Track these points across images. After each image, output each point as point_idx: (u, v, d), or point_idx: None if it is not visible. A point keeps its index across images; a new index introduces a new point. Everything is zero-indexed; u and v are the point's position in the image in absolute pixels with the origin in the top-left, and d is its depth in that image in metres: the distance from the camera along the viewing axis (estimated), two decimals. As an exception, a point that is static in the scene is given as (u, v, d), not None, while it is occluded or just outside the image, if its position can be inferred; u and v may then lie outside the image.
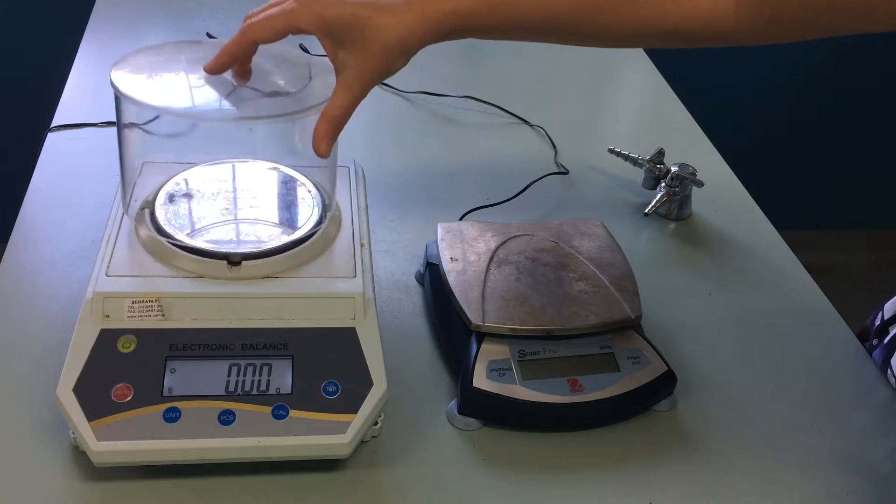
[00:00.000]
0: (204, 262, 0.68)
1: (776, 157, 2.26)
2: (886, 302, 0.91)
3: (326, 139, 0.66)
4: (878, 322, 0.90)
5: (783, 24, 0.66)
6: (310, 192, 0.77)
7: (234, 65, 0.69)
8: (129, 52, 0.72)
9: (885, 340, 0.86)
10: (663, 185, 1.00)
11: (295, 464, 0.67)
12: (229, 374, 0.65)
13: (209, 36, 1.25)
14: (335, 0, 0.65)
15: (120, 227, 0.72)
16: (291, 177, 0.79)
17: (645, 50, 1.38)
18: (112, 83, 0.68)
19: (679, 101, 1.26)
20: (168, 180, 0.76)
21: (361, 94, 0.66)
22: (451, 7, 0.66)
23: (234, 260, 0.69)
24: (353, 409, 0.65)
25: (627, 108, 1.29)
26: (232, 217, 0.74)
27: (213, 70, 0.68)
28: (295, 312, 0.68)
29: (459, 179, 1.05)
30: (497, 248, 0.81)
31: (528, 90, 1.24)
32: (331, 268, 0.71)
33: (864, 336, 0.89)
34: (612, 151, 1.05)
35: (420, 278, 0.88)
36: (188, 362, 0.65)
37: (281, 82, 0.72)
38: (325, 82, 0.69)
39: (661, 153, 1.03)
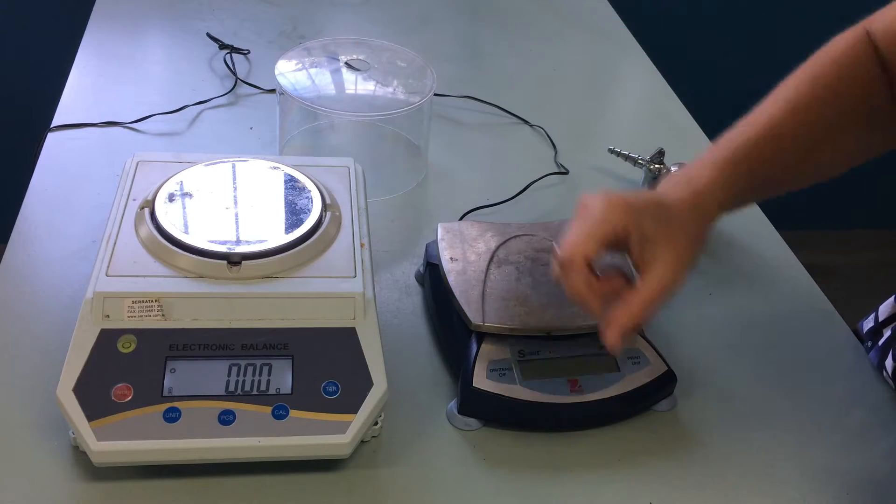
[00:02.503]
0: (204, 262, 0.68)
1: (776, 157, 2.26)
2: (881, 304, 0.91)
3: (622, 333, 0.63)
4: (871, 324, 0.90)
5: None
6: (310, 191, 0.77)
7: (589, 283, 0.64)
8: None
9: (880, 342, 0.87)
10: (663, 185, 1.00)
11: (295, 464, 0.67)
12: (229, 374, 0.65)
13: (209, 36, 1.25)
14: (635, 197, 0.65)
15: (120, 227, 0.72)
16: (292, 176, 0.79)
17: (645, 50, 1.38)
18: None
19: (679, 101, 1.26)
20: (168, 179, 0.76)
21: (662, 299, 0.64)
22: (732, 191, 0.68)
23: (234, 260, 0.69)
24: (353, 409, 0.65)
25: (627, 108, 1.29)
26: (232, 217, 0.74)
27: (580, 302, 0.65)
28: (295, 312, 0.68)
29: (459, 179, 1.05)
30: (497, 248, 0.81)
31: (528, 90, 1.24)
32: (331, 268, 0.71)
33: (857, 337, 0.89)
34: (612, 151, 1.05)
35: (420, 278, 0.88)
36: (188, 362, 0.65)
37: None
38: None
39: (661, 153, 1.03)
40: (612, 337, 0.63)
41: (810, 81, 0.75)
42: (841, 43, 0.77)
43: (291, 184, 0.78)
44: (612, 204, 0.64)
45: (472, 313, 0.74)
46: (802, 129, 0.72)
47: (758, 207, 1.05)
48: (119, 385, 0.64)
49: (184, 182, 0.76)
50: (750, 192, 0.71)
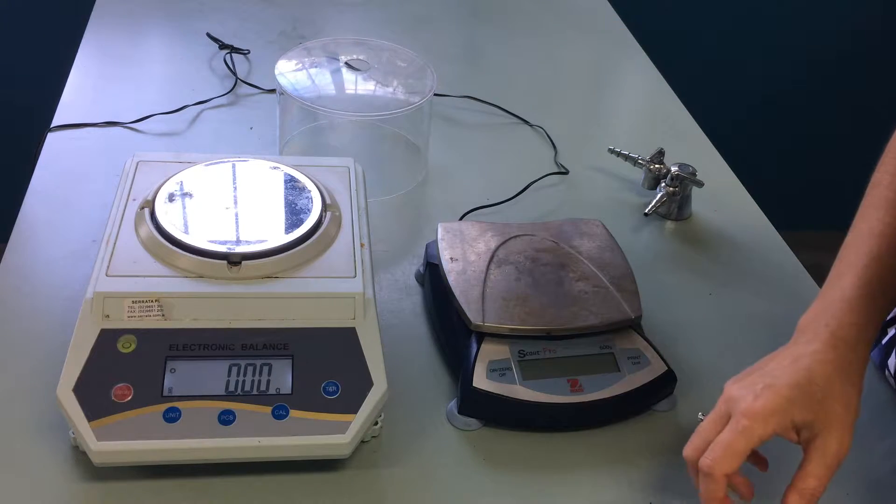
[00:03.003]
0: (204, 262, 0.68)
1: (776, 157, 2.26)
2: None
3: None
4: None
5: None
6: (310, 191, 0.77)
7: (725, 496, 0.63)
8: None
9: (883, 342, 0.86)
10: (663, 185, 1.00)
11: (295, 464, 0.67)
12: (229, 374, 0.65)
13: (209, 36, 1.25)
14: (785, 398, 0.61)
15: (120, 227, 0.72)
16: (292, 176, 0.79)
17: (645, 50, 1.38)
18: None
19: (679, 101, 1.26)
20: (168, 179, 0.76)
21: (837, 467, 0.62)
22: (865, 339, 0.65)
23: (234, 260, 0.69)
24: (353, 409, 0.65)
25: (627, 108, 1.29)
26: (232, 217, 0.74)
27: None
28: (295, 312, 0.68)
29: (459, 179, 1.05)
30: (497, 248, 0.81)
31: (528, 90, 1.24)
32: (331, 268, 0.71)
33: None
34: (612, 151, 1.05)
35: (420, 278, 0.88)
36: (188, 362, 0.65)
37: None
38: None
39: (661, 153, 1.03)
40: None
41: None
42: None
43: (291, 184, 0.78)
44: (760, 414, 0.61)
45: (472, 313, 0.74)
46: None
47: (757, 207, 1.05)
48: (119, 385, 0.64)
49: (184, 182, 0.76)
50: (887, 312, 0.67)
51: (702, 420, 0.65)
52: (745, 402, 0.61)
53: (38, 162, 0.98)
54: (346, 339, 0.68)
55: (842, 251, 0.69)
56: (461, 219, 0.96)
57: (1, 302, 0.79)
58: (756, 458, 0.67)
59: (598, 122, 1.22)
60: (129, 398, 0.63)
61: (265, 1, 1.39)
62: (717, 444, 0.61)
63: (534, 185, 1.03)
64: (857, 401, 0.63)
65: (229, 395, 0.65)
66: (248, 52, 1.23)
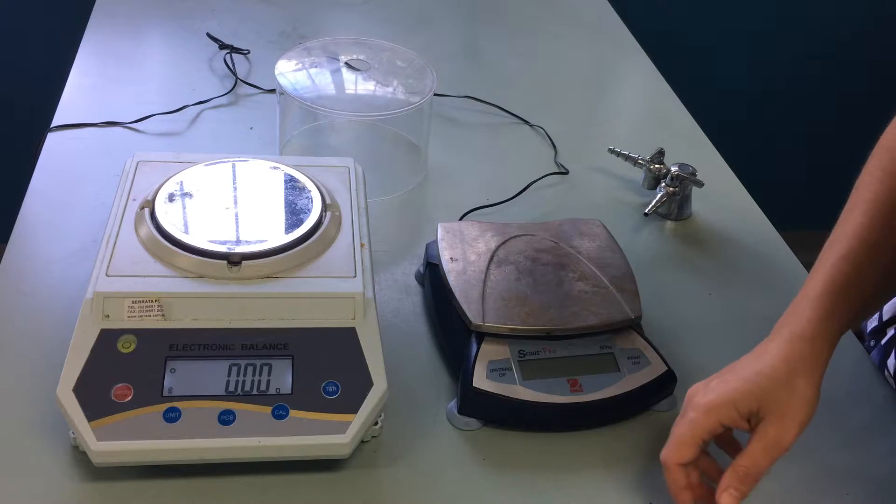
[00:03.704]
0: (204, 262, 0.68)
1: (776, 157, 2.26)
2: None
3: (729, 493, 0.63)
4: (875, 323, 0.90)
5: None
6: (310, 191, 0.77)
7: (688, 485, 0.66)
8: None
9: (883, 341, 0.86)
10: (663, 185, 1.00)
11: (295, 464, 0.67)
12: (229, 374, 0.65)
13: (209, 36, 1.25)
14: (731, 389, 0.64)
15: (120, 227, 0.72)
16: (292, 176, 0.79)
17: (645, 50, 1.38)
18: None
19: (679, 101, 1.26)
20: (168, 179, 0.76)
21: (778, 452, 0.63)
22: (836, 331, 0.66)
23: (234, 260, 0.69)
24: (353, 409, 0.65)
25: (627, 108, 1.29)
26: (232, 217, 0.74)
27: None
28: (295, 312, 0.68)
29: (459, 179, 1.05)
30: (497, 248, 0.81)
31: (528, 90, 1.24)
32: (331, 268, 0.71)
33: (858, 337, 0.89)
34: (612, 151, 1.05)
35: (420, 278, 0.88)
36: (188, 362, 0.65)
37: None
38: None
39: (661, 153, 1.03)
40: (726, 499, 0.63)
41: (886, 176, 0.70)
42: None
43: (291, 184, 0.78)
44: (704, 407, 0.64)
45: (472, 313, 0.74)
46: (892, 231, 0.69)
47: (757, 207, 1.05)
48: (119, 385, 0.64)
49: (184, 182, 0.76)
50: (856, 313, 0.68)
51: None
52: (696, 397, 0.66)
53: (38, 162, 0.98)
54: (346, 339, 0.68)
55: (823, 249, 0.70)
56: (461, 219, 0.96)
57: (1, 302, 0.79)
58: (728, 445, 0.69)
59: (598, 122, 1.22)
60: (129, 398, 0.63)
61: (265, 1, 1.39)
62: (670, 437, 0.66)
63: (534, 185, 1.03)
64: (810, 392, 0.64)
65: (229, 395, 0.65)
66: (248, 52, 1.23)
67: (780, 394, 0.63)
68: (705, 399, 0.65)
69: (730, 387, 0.64)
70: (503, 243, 0.82)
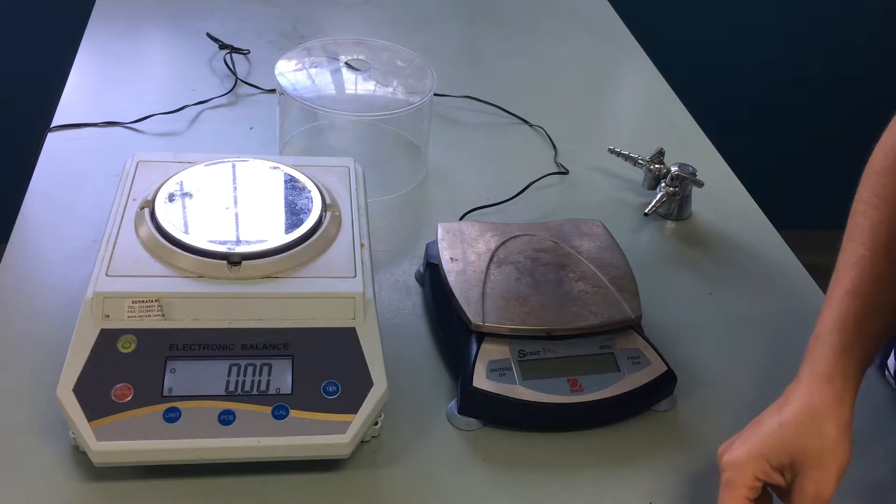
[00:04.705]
0: (204, 262, 0.68)
1: (776, 157, 2.26)
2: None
3: None
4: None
5: None
6: (310, 191, 0.77)
7: None
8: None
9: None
10: (663, 185, 1.00)
11: (295, 464, 0.67)
12: (229, 374, 0.65)
13: (209, 36, 1.25)
14: (758, 443, 0.63)
15: (120, 227, 0.72)
16: (292, 176, 0.79)
17: (645, 50, 1.38)
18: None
19: (679, 101, 1.26)
20: (168, 179, 0.76)
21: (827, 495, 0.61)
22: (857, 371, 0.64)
23: (234, 260, 0.69)
24: (353, 409, 0.65)
25: (627, 108, 1.29)
26: (232, 217, 0.74)
27: None
28: (295, 312, 0.68)
29: (459, 179, 1.05)
30: (497, 248, 0.81)
31: (528, 90, 1.24)
32: (331, 268, 0.71)
33: None
34: (612, 151, 1.05)
35: (420, 278, 0.88)
36: (188, 362, 0.65)
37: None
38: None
39: (661, 153, 1.03)
40: None
41: (881, 202, 0.69)
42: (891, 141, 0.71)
43: (291, 184, 0.78)
44: (735, 464, 0.62)
45: (472, 313, 0.74)
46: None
47: (757, 207, 1.05)
48: (119, 385, 0.64)
49: (184, 182, 0.76)
50: (871, 346, 0.66)
51: None
52: (725, 455, 0.63)
53: (38, 162, 0.98)
54: (346, 339, 0.68)
55: (829, 285, 0.69)
56: (461, 219, 0.96)
57: (1, 302, 0.79)
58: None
59: (598, 122, 1.22)
60: (129, 398, 0.63)
61: (265, 1, 1.39)
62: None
63: (534, 185, 1.03)
64: (840, 435, 0.62)
65: (229, 395, 0.65)
66: (248, 52, 1.23)
67: (809, 444, 0.61)
68: (733, 456, 0.63)
69: (758, 441, 0.63)
70: (503, 243, 0.82)
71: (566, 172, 1.07)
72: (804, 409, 0.63)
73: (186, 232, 0.70)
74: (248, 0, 1.38)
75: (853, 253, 0.68)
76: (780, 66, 2.13)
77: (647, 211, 1.00)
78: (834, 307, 0.66)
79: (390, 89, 1.03)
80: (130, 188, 0.77)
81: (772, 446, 0.62)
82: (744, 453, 0.62)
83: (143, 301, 0.66)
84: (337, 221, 0.75)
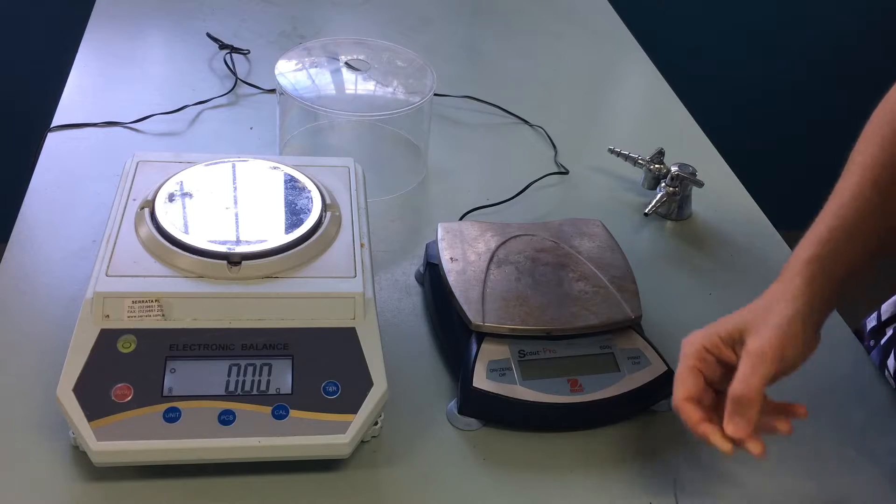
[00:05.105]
0: (204, 262, 0.68)
1: (776, 157, 2.26)
2: (884, 303, 0.91)
3: (732, 420, 0.62)
4: (874, 323, 0.90)
5: None
6: (310, 191, 0.77)
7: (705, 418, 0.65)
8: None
9: (882, 341, 0.86)
10: (663, 185, 1.00)
11: (295, 464, 0.67)
12: (229, 374, 0.65)
13: (209, 36, 1.25)
14: (715, 323, 0.67)
15: (120, 227, 0.72)
16: (292, 176, 0.79)
17: (645, 50, 1.38)
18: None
19: (679, 101, 1.26)
20: (168, 179, 0.76)
21: (764, 366, 0.62)
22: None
23: (234, 260, 0.69)
24: (353, 409, 0.65)
25: (627, 108, 1.29)
26: (232, 217, 0.74)
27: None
28: (295, 312, 0.68)
29: (459, 179, 1.05)
30: (497, 248, 0.81)
31: (528, 90, 1.24)
32: (331, 268, 0.71)
33: (858, 337, 0.89)
34: (612, 151, 1.05)
35: (420, 278, 0.88)
36: (188, 362, 0.65)
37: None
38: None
39: (661, 153, 1.03)
40: (731, 428, 0.62)
41: (884, 140, 0.71)
42: None
43: (291, 184, 0.78)
44: (691, 339, 0.67)
45: (472, 313, 0.74)
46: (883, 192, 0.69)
47: (757, 207, 1.05)
48: (119, 385, 0.64)
49: (184, 182, 0.76)
50: (844, 268, 0.68)
51: None
52: (685, 343, 0.68)
53: (38, 162, 0.98)
54: (346, 339, 0.68)
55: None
56: (461, 219, 0.96)
57: (1, 302, 0.79)
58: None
59: (598, 122, 1.22)
60: (129, 398, 0.63)
61: (265, 1, 1.39)
62: (677, 384, 0.66)
63: (534, 185, 1.03)
64: (790, 312, 0.64)
65: (229, 395, 0.65)
66: (248, 52, 1.23)
67: (758, 317, 0.64)
68: (689, 336, 0.67)
69: (711, 325, 0.67)
70: (503, 243, 0.82)
71: (566, 172, 1.07)
72: (759, 299, 0.67)
73: (186, 232, 0.70)
74: (248, 0, 1.38)
75: (844, 183, 0.70)
76: (780, 66, 2.13)
77: (647, 211, 1.00)
78: (813, 227, 0.69)
79: (390, 89, 1.03)
80: (130, 188, 0.77)
81: (722, 323, 0.66)
82: (698, 332, 0.67)
83: (143, 301, 0.66)
84: (337, 221, 0.75)
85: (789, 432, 0.64)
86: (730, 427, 0.62)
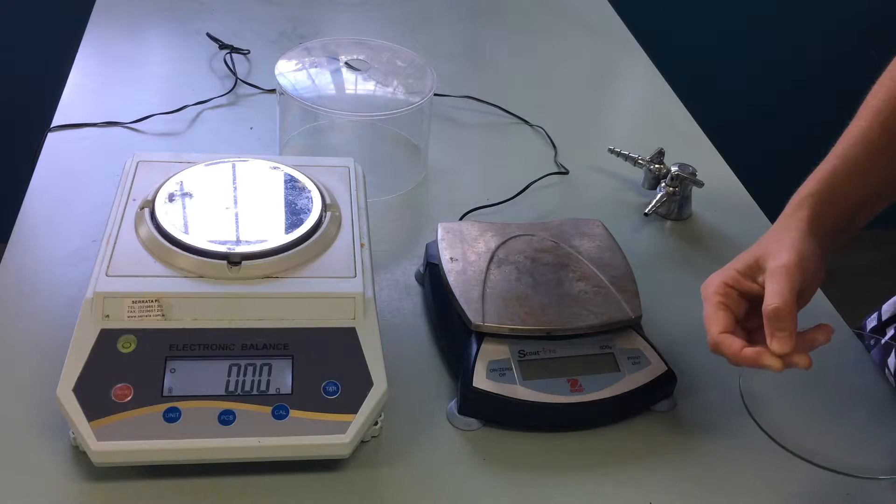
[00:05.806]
0: (204, 262, 0.68)
1: (776, 157, 2.26)
2: (884, 303, 0.91)
3: (776, 337, 0.63)
4: (874, 323, 0.90)
5: None
6: (310, 191, 0.77)
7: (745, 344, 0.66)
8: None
9: (883, 341, 0.86)
10: (663, 185, 1.00)
11: (295, 464, 0.67)
12: (229, 374, 0.65)
13: (209, 36, 1.25)
14: (732, 261, 0.70)
15: (120, 227, 0.72)
16: (292, 176, 0.79)
17: (645, 50, 1.38)
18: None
19: (679, 101, 1.26)
20: (168, 179, 0.76)
21: (790, 278, 0.64)
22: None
23: (234, 260, 0.69)
24: (353, 409, 0.65)
25: (627, 108, 1.29)
26: (232, 217, 0.74)
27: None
28: (295, 312, 0.68)
29: (459, 179, 1.05)
30: (497, 248, 0.81)
31: (528, 90, 1.24)
32: (331, 268, 0.71)
33: (858, 337, 0.89)
34: (612, 151, 1.05)
35: (420, 278, 0.88)
36: (188, 362, 0.65)
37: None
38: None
39: (661, 153, 1.03)
40: (776, 344, 0.63)
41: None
42: None
43: (291, 184, 0.78)
44: (709, 280, 0.70)
45: (472, 313, 0.74)
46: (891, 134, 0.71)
47: (757, 207, 1.05)
48: (119, 385, 0.64)
49: (184, 182, 0.76)
50: (853, 207, 0.71)
51: None
52: (704, 287, 0.70)
53: (38, 162, 0.98)
54: (346, 339, 0.68)
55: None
56: (461, 219, 0.96)
57: (1, 302, 0.79)
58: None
59: (598, 122, 1.22)
60: (129, 398, 0.63)
61: (265, 1, 1.39)
62: (707, 320, 0.68)
63: (534, 185, 1.03)
64: (796, 236, 0.67)
65: (229, 395, 0.65)
66: (248, 52, 1.23)
67: (771, 244, 0.67)
68: (706, 280, 0.70)
69: (731, 262, 0.70)
70: (503, 243, 0.82)
71: (566, 172, 1.07)
72: (766, 234, 0.70)
73: (186, 232, 0.70)
74: (248, 0, 1.38)
75: (853, 126, 0.73)
76: (780, 66, 2.13)
77: (647, 211, 1.00)
78: (820, 166, 0.72)
79: (390, 89, 1.03)
80: (130, 188, 0.77)
81: (737, 259, 0.69)
82: (714, 273, 0.70)
83: (143, 301, 0.66)
84: (337, 221, 0.75)
85: (827, 341, 0.66)
86: (775, 344, 0.62)
